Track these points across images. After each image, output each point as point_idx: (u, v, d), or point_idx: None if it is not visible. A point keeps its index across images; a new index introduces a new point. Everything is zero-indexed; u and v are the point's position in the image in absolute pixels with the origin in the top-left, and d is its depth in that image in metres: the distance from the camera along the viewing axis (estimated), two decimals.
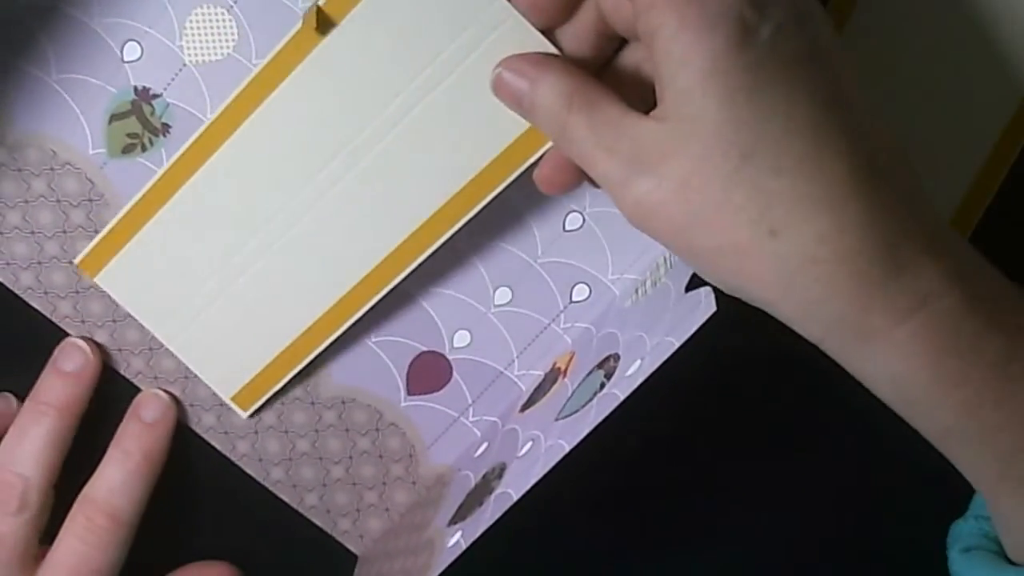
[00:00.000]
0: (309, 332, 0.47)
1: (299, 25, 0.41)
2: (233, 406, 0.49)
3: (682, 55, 0.34)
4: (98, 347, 0.48)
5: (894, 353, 0.35)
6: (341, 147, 0.43)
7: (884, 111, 0.45)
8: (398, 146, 0.43)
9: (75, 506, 0.47)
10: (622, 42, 0.40)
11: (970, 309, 0.35)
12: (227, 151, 0.44)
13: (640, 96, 0.38)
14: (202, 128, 0.44)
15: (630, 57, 0.40)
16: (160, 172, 0.45)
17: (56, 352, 0.47)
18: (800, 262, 0.34)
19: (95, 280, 0.47)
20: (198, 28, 0.44)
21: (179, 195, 0.45)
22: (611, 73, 0.40)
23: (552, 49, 0.39)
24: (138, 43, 0.44)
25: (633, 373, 0.39)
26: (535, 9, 0.39)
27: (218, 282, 0.46)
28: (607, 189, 0.37)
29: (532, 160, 0.42)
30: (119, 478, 0.47)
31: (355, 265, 0.46)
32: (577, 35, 0.39)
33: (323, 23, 0.41)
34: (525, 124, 0.41)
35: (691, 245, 0.36)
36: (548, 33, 0.40)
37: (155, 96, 0.45)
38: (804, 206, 0.34)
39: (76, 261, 0.46)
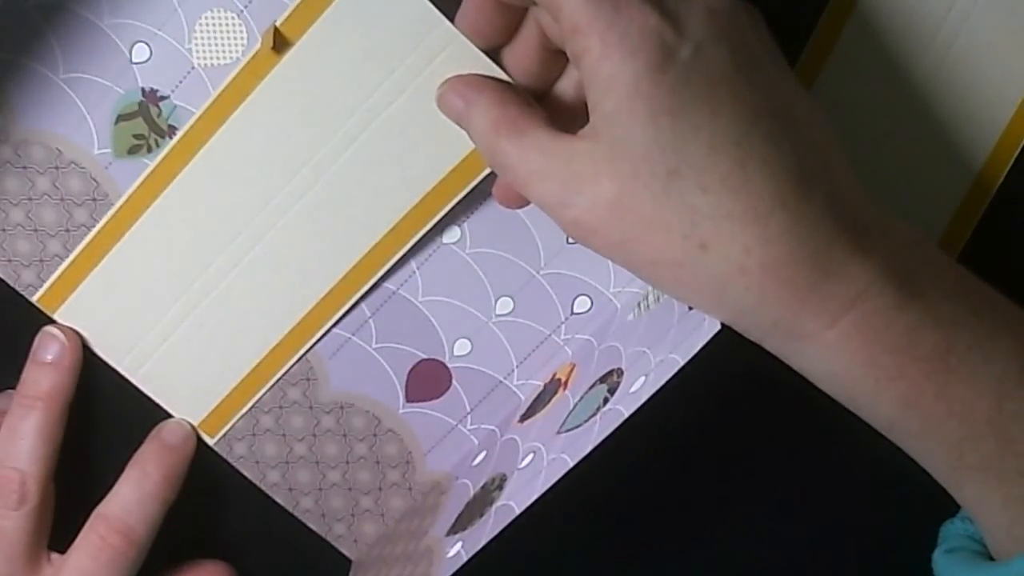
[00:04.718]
0: (273, 353, 0.48)
1: (258, 46, 0.42)
2: (200, 433, 0.49)
3: (606, 79, 0.35)
4: (75, 333, 0.47)
5: (829, 353, 0.36)
6: (301, 165, 0.44)
7: (882, 115, 0.46)
8: (356, 163, 0.44)
9: (88, 523, 0.47)
10: None
11: (903, 305, 0.35)
12: (188, 176, 0.45)
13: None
14: (163, 153, 0.45)
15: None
16: (118, 204, 0.45)
17: (35, 344, 0.47)
18: (730, 274, 0.35)
19: (55, 316, 0.47)
20: (208, 31, 0.44)
21: (139, 224, 0.46)
22: (562, 87, 0.41)
23: (495, 68, 0.41)
24: (147, 44, 0.44)
25: (637, 390, 0.40)
26: (475, 31, 0.40)
27: (180, 310, 0.47)
28: (545, 211, 0.38)
29: (485, 173, 0.44)
30: (135, 498, 0.47)
31: (316, 283, 0.47)
32: (523, 54, 0.40)
33: (279, 43, 0.42)
34: None
35: (629, 259, 0.37)
36: (494, 53, 0.41)
37: (163, 98, 0.45)
38: (730, 221, 0.35)
39: (35, 298, 0.47)
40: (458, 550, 0.42)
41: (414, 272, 0.48)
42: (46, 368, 0.47)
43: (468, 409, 0.50)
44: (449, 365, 0.49)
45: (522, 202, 0.42)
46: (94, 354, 0.48)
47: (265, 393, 0.49)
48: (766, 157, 0.35)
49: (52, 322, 0.47)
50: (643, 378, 0.40)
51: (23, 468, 0.46)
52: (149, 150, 0.45)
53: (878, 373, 0.36)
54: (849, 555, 0.53)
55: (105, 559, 0.46)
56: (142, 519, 0.47)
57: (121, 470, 0.48)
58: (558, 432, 0.43)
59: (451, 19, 0.41)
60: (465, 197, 0.45)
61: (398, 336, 0.49)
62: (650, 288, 0.47)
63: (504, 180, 0.41)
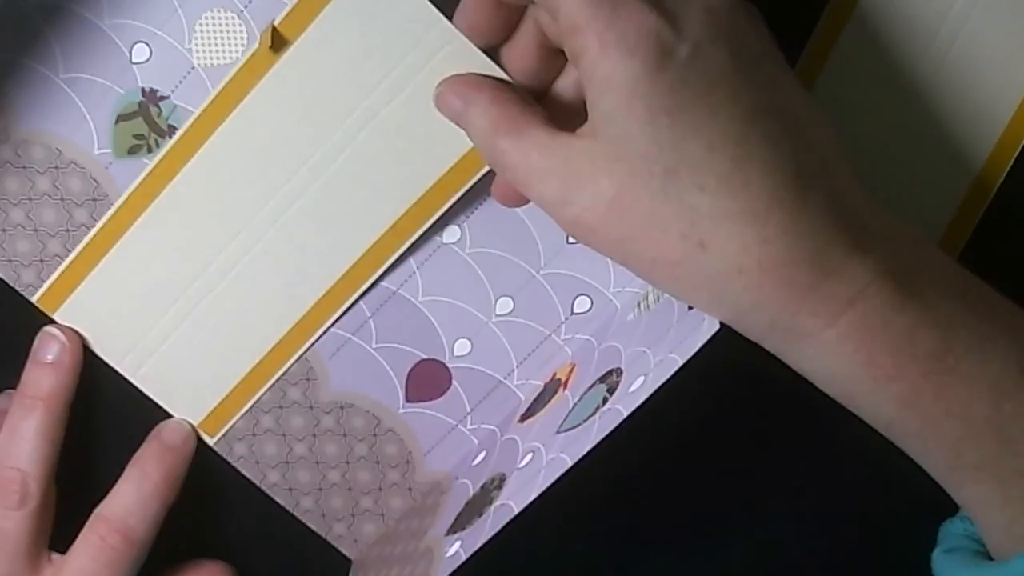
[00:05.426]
0: (272, 353, 0.48)
1: (256, 45, 0.42)
2: (200, 433, 0.49)
3: (604, 79, 0.35)
4: (75, 333, 0.47)
5: (827, 353, 0.36)
6: (300, 164, 0.44)
7: (882, 115, 0.46)
8: (355, 161, 0.44)
9: (88, 523, 0.47)
10: None
11: (902, 305, 0.35)
12: (187, 176, 0.45)
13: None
14: (163, 152, 0.44)
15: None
16: (118, 203, 0.45)
17: (35, 344, 0.47)
18: (729, 273, 0.35)
19: (55, 317, 0.47)
20: (208, 31, 0.44)
21: (138, 224, 0.46)
22: (561, 85, 0.41)
23: (494, 67, 0.41)
24: (147, 45, 0.44)
25: (636, 390, 0.40)
26: (474, 30, 0.40)
27: (179, 310, 0.47)
28: (545, 209, 0.38)
29: (484, 171, 0.44)
30: (135, 498, 0.47)
31: (315, 282, 0.47)
32: (521, 53, 0.40)
33: (278, 42, 0.42)
34: None
35: (628, 258, 0.37)
36: (493, 51, 0.41)
37: (163, 98, 0.45)
38: (729, 221, 0.35)
39: (35, 298, 0.47)
40: (457, 549, 0.42)
41: (414, 272, 0.48)
42: (46, 368, 0.47)
43: (468, 409, 0.50)
44: (449, 365, 0.49)
45: (521, 200, 0.42)
46: (94, 354, 0.48)
47: (265, 393, 0.49)
48: (765, 157, 0.35)
49: (52, 322, 0.47)
50: (642, 378, 0.40)
51: (24, 468, 0.46)
52: (149, 150, 0.46)
53: (876, 373, 0.36)
54: (849, 555, 0.53)
55: (105, 559, 0.46)
56: (142, 519, 0.47)
57: (121, 470, 0.48)
58: (557, 432, 0.43)
59: (450, 18, 0.41)
60: (464, 196, 0.45)
61: (398, 336, 0.49)
62: (650, 288, 0.47)
63: (503, 179, 0.41)
